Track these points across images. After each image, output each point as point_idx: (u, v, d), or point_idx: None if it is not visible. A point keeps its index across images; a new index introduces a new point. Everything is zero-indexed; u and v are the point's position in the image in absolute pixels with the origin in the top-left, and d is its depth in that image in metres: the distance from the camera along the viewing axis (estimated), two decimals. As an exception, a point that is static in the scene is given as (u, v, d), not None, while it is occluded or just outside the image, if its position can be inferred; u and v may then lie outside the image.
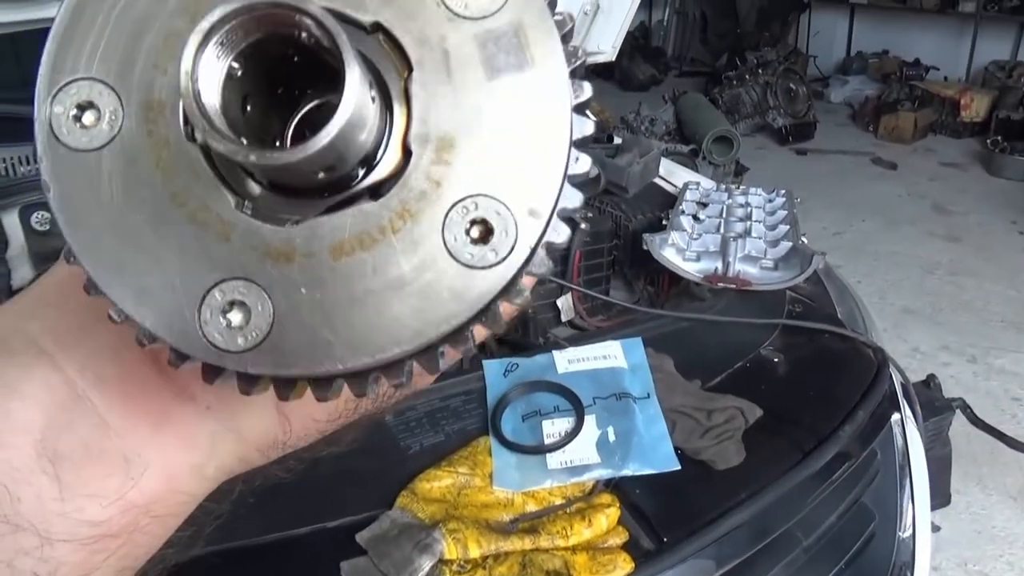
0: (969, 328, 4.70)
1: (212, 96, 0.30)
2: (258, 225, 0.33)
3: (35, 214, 1.92)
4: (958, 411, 3.13)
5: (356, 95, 0.29)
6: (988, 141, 7.73)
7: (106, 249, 0.33)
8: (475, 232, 0.32)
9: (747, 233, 2.19)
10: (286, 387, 0.35)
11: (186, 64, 0.29)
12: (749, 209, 2.36)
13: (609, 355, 1.67)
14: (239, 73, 0.32)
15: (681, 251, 2.16)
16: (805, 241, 2.27)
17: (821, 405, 1.72)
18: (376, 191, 0.33)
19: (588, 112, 0.36)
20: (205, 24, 0.29)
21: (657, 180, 2.76)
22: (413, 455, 1.47)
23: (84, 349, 0.40)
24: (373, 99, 0.32)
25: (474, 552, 1.23)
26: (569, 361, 1.66)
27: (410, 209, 0.33)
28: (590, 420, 1.51)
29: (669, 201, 2.51)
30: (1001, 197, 6.87)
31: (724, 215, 2.31)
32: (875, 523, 1.63)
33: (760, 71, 8.48)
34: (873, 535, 1.61)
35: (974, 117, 8.41)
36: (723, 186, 2.61)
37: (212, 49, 0.30)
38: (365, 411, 0.50)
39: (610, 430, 1.49)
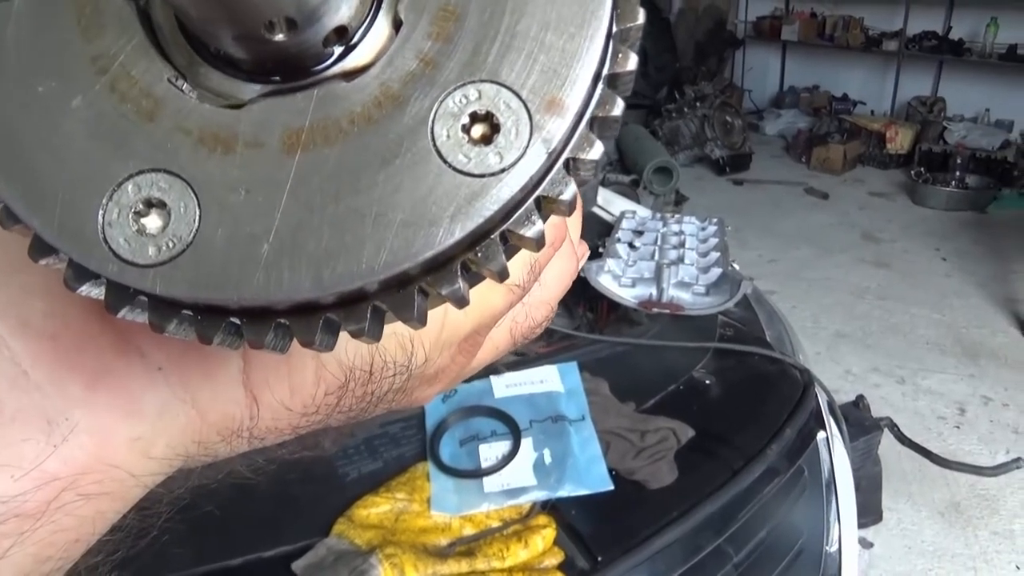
0: (897, 350, 4.89)
1: None
2: (194, 103, 0.26)
3: None
4: (886, 430, 3.26)
5: None
6: (912, 172, 8.09)
7: None
8: (476, 131, 0.25)
9: (680, 260, 2.26)
10: (211, 325, 0.27)
11: None
12: (683, 237, 2.44)
13: (545, 379, 1.70)
14: None
15: (617, 278, 2.23)
16: (737, 267, 2.36)
17: (750, 424, 1.79)
18: (353, 75, 0.26)
19: None
20: None
21: (595, 209, 2.83)
22: (351, 482, 1.47)
23: (9, 288, 0.33)
24: None
25: (411, 576, 1.24)
26: (507, 385, 1.69)
27: (392, 94, 0.25)
28: (526, 443, 1.54)
29: (606, 229, 2.58)
30: (925, 225, 7.20)
31: (659, 243, 2.39)
32: (803, 539, 1.69)
33: (698, 104, 8.76)
34: (801, 550, 1.67)
35: (899, 149, 8.80)
36: (658, 215, 2.70)
37: None
38: (350, 411, 0.41)
39: (546, 452, 1.52)
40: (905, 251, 6.59)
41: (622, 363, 1.96)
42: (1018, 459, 3.25)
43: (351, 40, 0.26)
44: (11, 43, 0.26)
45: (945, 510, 3.52)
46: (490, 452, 1.53)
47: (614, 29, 0.26)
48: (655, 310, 2.14)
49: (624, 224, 2.52)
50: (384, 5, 0.26)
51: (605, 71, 0.26)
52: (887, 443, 3.53)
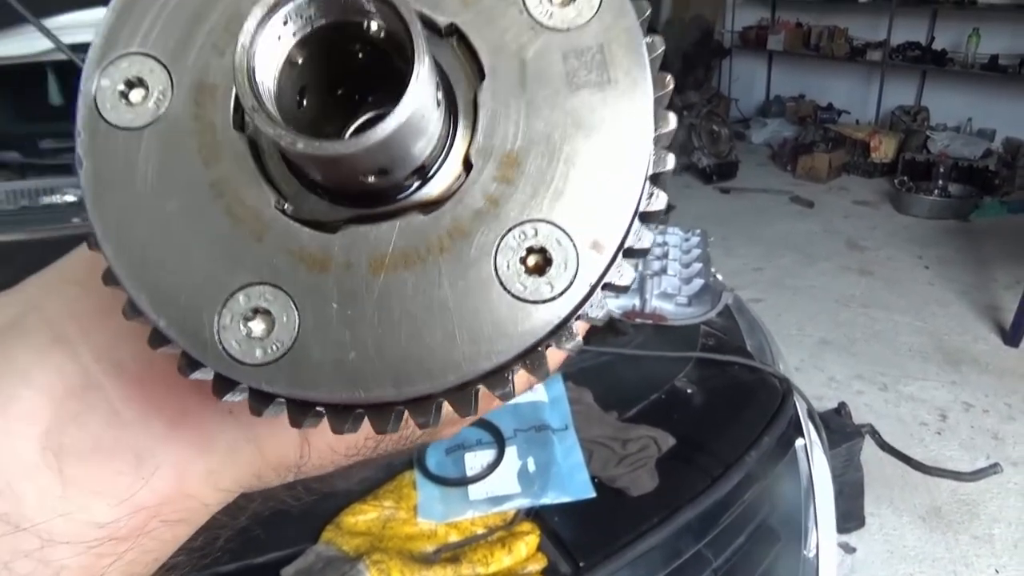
0: (881, 357, 4.96)
1: (267, 76, 0.28)
2: (296, 227, 0.30)
3: None
4: (867, 436, 3.31)
5: (421, 90, 0.26)
6: (896, 181, 8.20)
7: (131, 237, 0.30)
8: (531, 261, 0.29)
9: (663, 271, 2.31)
10: (301, 412, 0.31)
11: (244, 37, 0.26)
12: (666, 248, 2.49)
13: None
14: (300, 61, 0.29)
15: (601, 288, 2.26)
16: (720, 278, 2.41)
17: (730, 432, 1.83)
18: (429, 206, 0.30)
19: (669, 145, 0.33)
20: None
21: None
22: (339, 490, 1.50)
23: (104, 334, 0.36)
24: (439, 103, 0.29)
25: (397, 582, 1.28)
26: (493, 396, 1.73)
27: (463, 228, 0.29)
28: (511, 452, 1.58)
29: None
30: (907, 233, 7.29)
31: (642, 254, 2.43)
32: (780, 544, 1.73)
33: (685, 113, 8.83)
34: (779, 555, 1.71)
35: (883, 158, 8.91)
36: (643, 226, 2.74)
37: (274, 26, 0.27)
38: (385, 450, 0.46)
39: (530, 461, 1.56)
40: (889, 259, 6.68)
41: (606, 373, 2.00)
42: (996, 464, 3.30)
43: (428, 175, 0.30)
44: (142, 166, 0.31)
45: (926, 515, 3.58)
46: (475, 461, 1.57)
47: (650, 172, 0.31)
48: (638, 320, 2.18)
49: (609, 235, 2.56)
50: (455, 147, 0.31)
51: (641, 208, 0.31)
52: (870, 449, 3.58)
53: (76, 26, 1.96)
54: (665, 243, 2.54)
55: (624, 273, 0.31)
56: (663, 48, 0.33)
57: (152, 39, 0.31)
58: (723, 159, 8.79)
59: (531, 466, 1.56)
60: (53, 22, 1.95)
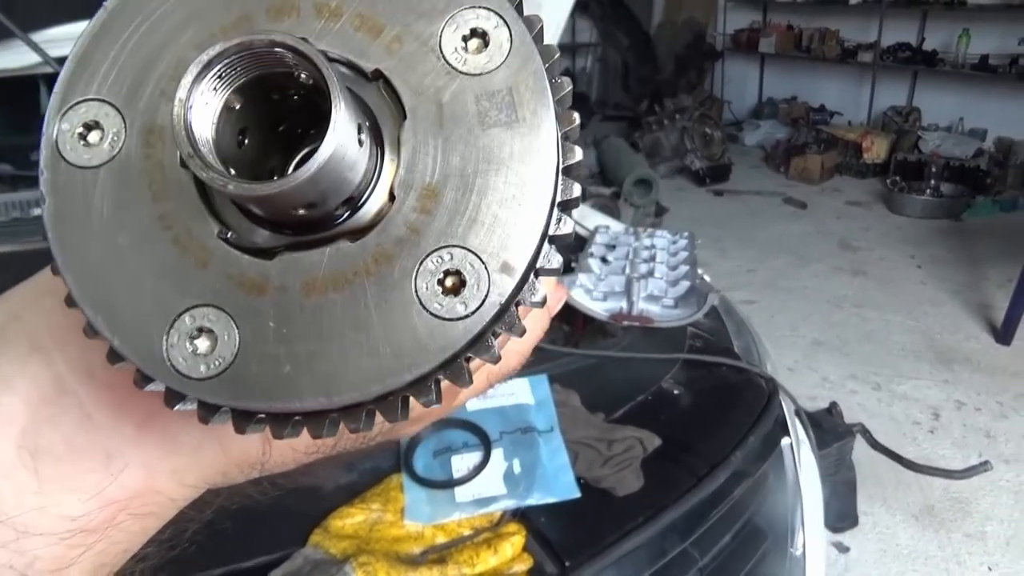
0: (873, 357, 4.98)
1: (204, 126, 0.30)
2: (236, 255, 0.33)
3: None
4: (859, 435, 3.33)
5: (339, 137, 0.29)
6: (888, 181, 8.24)
7: (88, 265, 0.34)
8: (448, 283, 0.33)
9: (650, 274, 2.33)
10: (244, 420, 0.35)
11: (181, 92, 0.29)
12: (654, 251, 2.51)
13: (516, 392, 1.76)
14: (237, 106, 0.32)
15: (589, 292, 2.29)
16: (707, 279, 2.43)
17: (716, 432, 1.85)
18: (358, 233, 0.34)
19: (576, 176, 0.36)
20: (204, 57, 0.30)
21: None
22: (327, 493, 1.52)
23: (77, 344, 0.39)
24: (361, 142, 0.32)
25: (384, 583, 1.29)
26: (478, 398, 1.75)
27: (387, 253, 0.33)
28: (497, 454, 1.60)
29: (580, 244, 2.65)
30: (900, 233, 7.33)
31: (630, 257, 2.45)
32: (767, 542, 1.74)
33: (678, 116, 8.88)
34: (766, 554, 1.73)
35: (875, 159, 8.95)
36: (631, 229, 2.76)
37: (210, 81, 0.30)
38: (344, 448, 0.49)
39: (516, 462, 1.58)
40: (881, 259, 6.71)
41: (593, 375, 2.02)
42: (986, 462, 3.31)
43: (357, 205, 0.34)
44: (98, 202, 0.34)
45: (919, 513, 3.59)
46: (462, 463, 1.59)
47: (558, 199, 0.34)
48: (626, 323, 2.20)
49: (597, 239, 2.58)
50: (382, 179, 0.34)
51: (550, 233, 0.34)
52: (862, 449, 3.60)
53: (65, 39, 1.98)
54: (653, 246, 2.57)
55: (538, 291, 0.34)
56: (570, 88, 0.36)
57: (107, 86, 0.35)
58: (716, 161, 8.83)
59: (517, 468, 1.57)
60: (42, 35, 1.98)
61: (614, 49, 11.63)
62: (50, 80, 2.76)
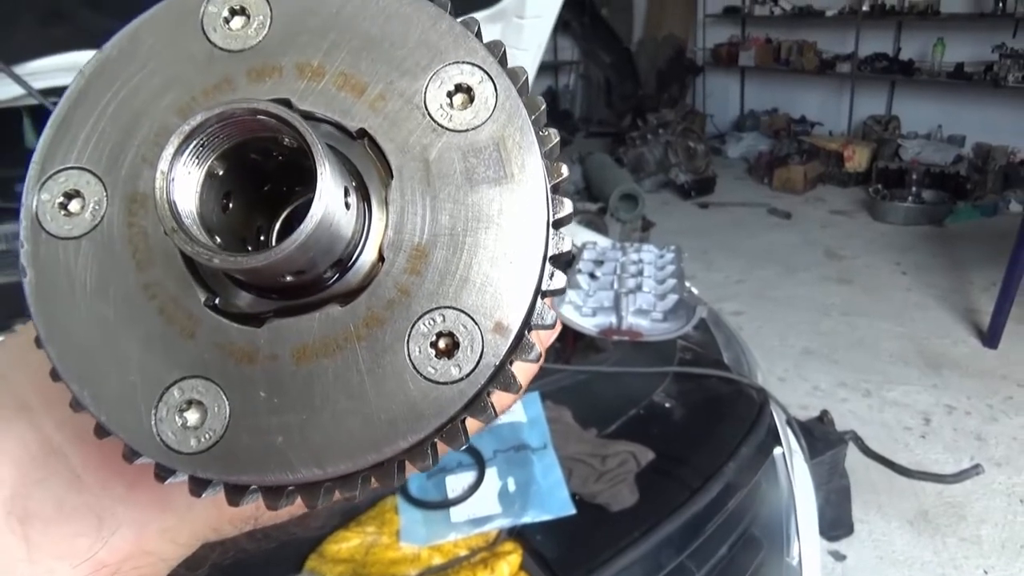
0: (863, 364, 5.01)
1: (187, 198, 0.30)
2: (225, 324, 0.32)
3: None
4: (851, 443, 3.34)
5: (326, 201, 0.28)
6: (871, 189, 8.33)
7: (72, 339, 0.33)
8: (441, 344, 0.32)
9: (638, 288, 2.34)
10: (237, 493, 0.34)
11: (163, 165, 0.29)
12: (642, 265, 2.53)
13: (509, 410, 1.76)
14: (221, 172, 0.31)
15: (578, 308, 2.30)
16: (695, 292, 2.45)
17: (708, 444, 1.86)
18: (348, 296, 0.33)
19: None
20: (185, 127, 0.29)
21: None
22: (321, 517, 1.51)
23: (64, 406, 0.38)
24: (348, 205, 0.31)
25: (381, 607, 1.29)
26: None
27: (377, 317, 0.32)
28: (491, 473, 1.60)
29: (568, 261, 2.65)
30: (884, 240, 7.39)
31: (618, 272, 2.47)
32: (763, 552, 1.75)
33: (661, 131, 8.95)
34: (762, 563, 1.73)
35: (857, 168, 9.04)
36: (618, 244, 2.78)
37: (192, 151, 0.30)
38: (338, 499, 0.52)
39: (510, 481, 1.58)
40: (867, 266, 6.76)
41: (585, 391, 2.03)
42: (978, 465, 3.34)
43: (347, 267, 0.33)
44: (80, 273, 0.33)
45: (914, 519, 3.60)
46: (456, 483, 1.59)
47: (549, 254, 0.34)
48: (615, 338, 2.21)
49: (585, 255, 2.60)
50: (371, 239, 0.33)
51: (543, 288, 0.33)
52: (856, 456, 3.60)
53: (49, 71, 1.98)
54: (640, 260, 2.58)
55: (532, 348, 0.34)
56: (558, 139, 0.35)
57: (87, 153, 0.34)
58: (700, 175, 8.89)
59: (511, 486, 1.57)
60: (25, 68, 1.98)
61: (596, 66, 11.75)
62: (34, 111, 2.76)
